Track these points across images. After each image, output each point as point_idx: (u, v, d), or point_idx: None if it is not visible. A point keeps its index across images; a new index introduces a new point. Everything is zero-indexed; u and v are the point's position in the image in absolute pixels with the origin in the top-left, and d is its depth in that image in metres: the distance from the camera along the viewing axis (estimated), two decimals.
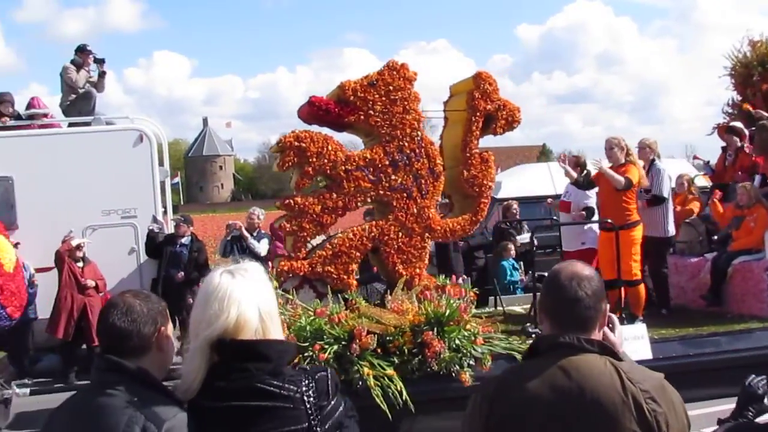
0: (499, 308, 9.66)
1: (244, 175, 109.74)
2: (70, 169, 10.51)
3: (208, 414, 2.40)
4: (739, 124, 10.66)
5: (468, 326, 7.05)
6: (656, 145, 9.03)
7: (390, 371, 6.53)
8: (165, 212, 11.64)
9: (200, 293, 2.52)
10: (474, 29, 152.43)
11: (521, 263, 11.74)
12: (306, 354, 6.45)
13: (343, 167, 7.89)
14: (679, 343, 7.57)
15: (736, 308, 8.59)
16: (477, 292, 7.55)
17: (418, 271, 8.02)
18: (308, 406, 2.42)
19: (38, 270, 10.30)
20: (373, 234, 8.01)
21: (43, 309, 10.10)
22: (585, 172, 9.78)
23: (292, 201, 7.88)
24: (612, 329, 2.63)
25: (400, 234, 8.01)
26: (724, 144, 10.91)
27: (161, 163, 11.55)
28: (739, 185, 9.15)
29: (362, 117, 7.94)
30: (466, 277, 11.40)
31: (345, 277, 7.90)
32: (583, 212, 10.09)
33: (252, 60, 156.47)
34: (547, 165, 16.34)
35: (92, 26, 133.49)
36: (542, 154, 74.80)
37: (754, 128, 10.08)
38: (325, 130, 8.19)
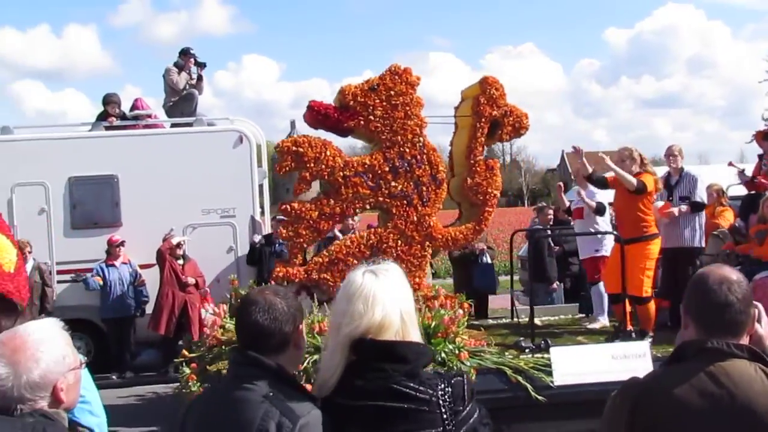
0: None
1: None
2: (172, 169, 10.95)
3: (343, 412, 2.42)
4: None
5: (458, 339, 6.81)
6: (682, 152, 8.60)
7: None
8: (262, 213, 11.90)
9: (343, 291, 2.54)
10: (561, 33, 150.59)
11: None
12: None
13: (341, 173, 7.76)
14: None
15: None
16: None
17: (417, 280, 7.81)
18: (443, 410, 2.41)
19: (141, 266, 10.71)
20: (371, 241, 7.85)
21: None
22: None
23: (288, 206, 7.79)
24: (759, 321, 2.52)
25: (400, 242, 7.84)
26: (761, 151, 10.37)
27: (259, 164, 11.87)
28: (763, 198, 8.64)
29: (362, 122, 7.80)
30: (559, 283, 11.18)
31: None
32: (593, 204, 9.45)
33: (338, 63, 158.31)
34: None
35: (184, 30, 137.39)
36: None
37: None
38: (336, 137, 8.08)
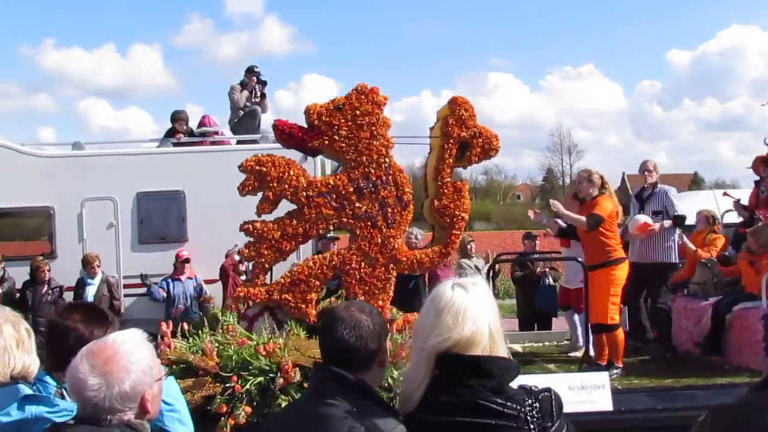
0: None
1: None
2: (237, 185, 10.88)
3: (428, 428, 2.41)
4: None
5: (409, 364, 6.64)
6: (657, 167, 8.38)
7: None
8: None
9: (430, 304, 2.53)
10: (622, 55, 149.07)
11: None
12: (228, 385, 6.23)
13: (304, 193, 7.66)
14: (647, 395, 6.91)
15: (735, 359, 7.82)
16: None
17: (381, 303, 7.66)
18: (532, 426, 2.37)
19: (205, 282, 10.86)
20: (334, 263, 7.73)
21: None
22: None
23: (251, 226, 7.72)
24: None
25: (363, 264, 7.69)
26: (758, 178, 10.05)
27: None
28: (749, 230, 8.37)
29: (326, 142, 7.70)
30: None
31: (303, 306, 7.64)
32: None
33: (397, 83, 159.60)
34: (712, 192, 15.54)
35: (246, 50, 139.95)
36: (694, 182, 72.58)
37: None
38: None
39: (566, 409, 6.36)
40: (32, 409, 2.83)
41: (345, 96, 7.78)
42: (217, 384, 6.10)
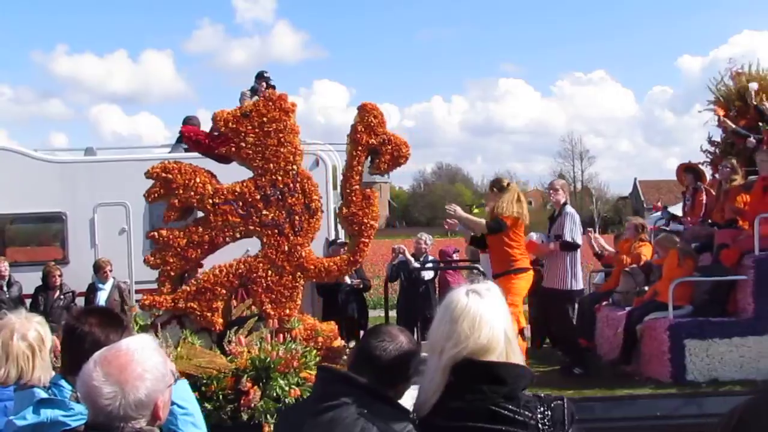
0: None
1: (399, 202, 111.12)
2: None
3: None
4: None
5: (302, 374, 6.61)
6: (567, 187, 8.30)
7: None
8: (337, 234, 11.85)
9: (446, 312, 2.48)
10: (633, 60, 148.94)
11: None
12: None
13: (210, 200, 7.60)
14: None
15: (645, 370, 7.74)
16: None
17: (288, 311, 7.60)
18: None
19: None
20: (240, 271, 7.65)
21: None
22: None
23: (156, 233, 7.65)
24: None
25: (270, 272, 7.62)
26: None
27: (335, 187, 11.83)
28: (655, 240, 8.31)
29: (233, 149, 7.67)
30: None
31: (209, 314, 7.55)
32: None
33: (408, 89, 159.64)
34: None
35: (257, 56, 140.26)
36: None
37: None
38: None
39: None
40: (47, 413, 2.86)
41: (253, 102, 7.73)
42: None
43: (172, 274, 7.74)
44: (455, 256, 11.95)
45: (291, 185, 7.67)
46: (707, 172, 10.00)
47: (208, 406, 6.32)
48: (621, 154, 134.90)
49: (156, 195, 7.68)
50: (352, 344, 7.95)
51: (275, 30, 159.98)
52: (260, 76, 12.66)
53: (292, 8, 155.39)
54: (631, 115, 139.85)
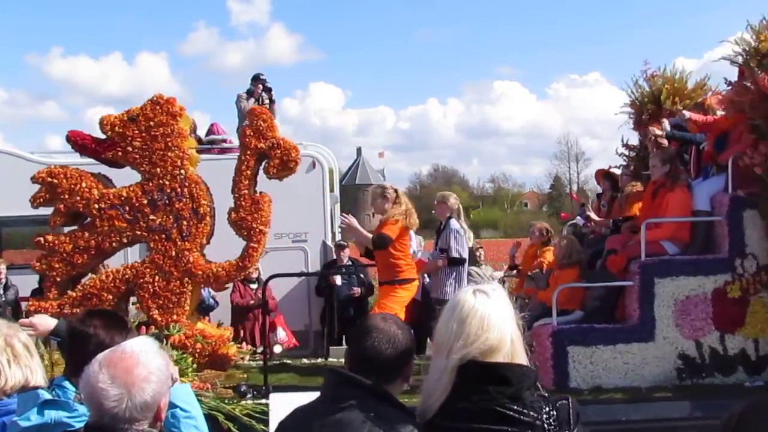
0: None
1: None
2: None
3: None
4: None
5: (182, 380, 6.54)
6: (456, 200, 8.22)
7: None
8: (333, 238, 11.78)
9: (453, 312, 2.45)
10: (628, 62, 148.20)
11: None
12: None
13: (96, 205, 7.54)
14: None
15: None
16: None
17: (175, 317, 7.55)
18: None
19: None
20: (126, 276, 7.60)
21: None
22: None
23: (42, 239, 7.58)
24: None
25: (157, 277, 7.56)
26: (600, 191, 9.97)
27: (331, 190, 11.91)
28: (554, 244, 8.27)
29: (120, 153, 7.59)
30: None
31: None
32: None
33: (403, 91, 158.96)
34: None
35: (252, 58, 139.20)
36: None
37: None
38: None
39: None
40: (52, 414, 2.86)
41: (140, 107, 7.63)
42: None
43: (59, 279, 7.68)
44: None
45: (179, 190, 7.61)
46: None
47: None
48: (617, 156, 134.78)
49: (41, 200, 7.62)
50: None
51: (270, 32, 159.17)
52: (256, 79, 12.50)
53: (287, 11, 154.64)
54: (627, 116, 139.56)
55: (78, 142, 7.64)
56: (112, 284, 7.59)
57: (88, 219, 7.69)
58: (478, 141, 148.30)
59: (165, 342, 7.01)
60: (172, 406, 2.76)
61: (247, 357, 8.49)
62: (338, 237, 12.12)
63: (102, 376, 2.29)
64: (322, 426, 2.45)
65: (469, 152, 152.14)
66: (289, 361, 9.75)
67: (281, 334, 9.88)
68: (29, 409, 2.89)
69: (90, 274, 7.90)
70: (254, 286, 10.48)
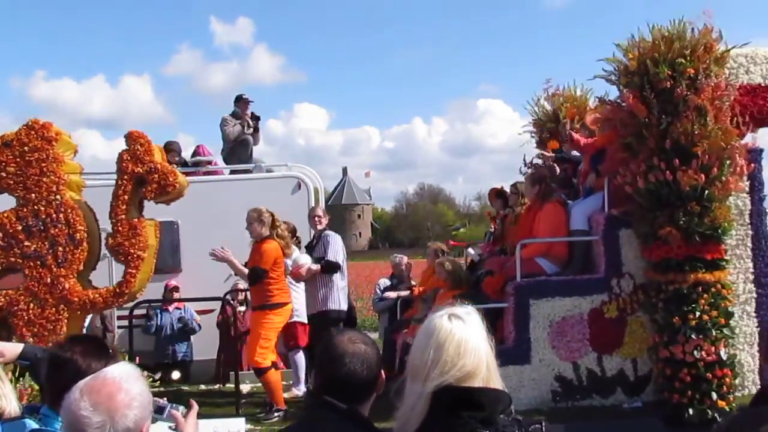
0: None
1: (381, 223, 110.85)
2: (231, 215, 10.43)
3: None
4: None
5: None
6: (324, 213, 8.25)
7: None
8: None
9: (429, 338, 2.39)
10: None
11: None
12: None
13: None
14: None
15: None
16: None
17: (50, 345, 7.43)
18: None
19: (199, 312, 10.81)
20: (0, 303, 7.49)
21: (201, 350, 10.73)
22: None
23: None
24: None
25: (32, 305, 7.45)
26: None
27: None
28: (436, 262, 8.23)
29: None
30: None
31: None
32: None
33: (388, 111, 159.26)
34: None
35: (235, 79, 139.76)
36: None
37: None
38: None
39: None
40: None
41: (15, 132, 7.56)
42: None
43: None
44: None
45: (54, 215, 7.50)
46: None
47: None
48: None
49: None
50: None
51: (254, 53, 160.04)
52: (239, 99, 12.37)
53: (270, 32, 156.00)
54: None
55: None
56: None
57: None
58: (463, 159, 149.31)
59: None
60: None
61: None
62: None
63: (84, 404, 2.23)
64: None
65: (455, 170, 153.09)
66: (186, 387, 9.64)
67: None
68: None
69: None
70: (243, 308, 10.41)
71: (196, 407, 3.03)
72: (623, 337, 7.48)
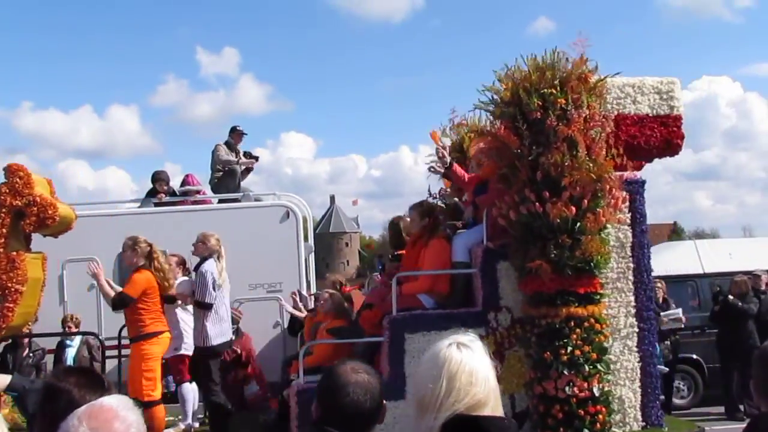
0: None
1: (369, 252, 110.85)
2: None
3: None
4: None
5: None
6: (216, 241, 8.04)
7: None
8: (308, 287, 11.71)
9: (439, 366, 2.38)
10: None
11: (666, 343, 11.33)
12: None
13: None
14: None
15: None
16: None
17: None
18: None
19: None
20: None
21: None
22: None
23: None
24: None
25: None
26: None
27: (306, 239, 11.88)
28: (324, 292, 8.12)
29: None
30: None
31: None
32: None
33: (375, 139, 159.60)
34: (693, 243, 15.18)
35: (222, 109, 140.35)
36: (674, 232, 72.86)
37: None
38: None
39: None
40: None
41: None
42: None
43: None
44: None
45: None
46: None
47: None
48: None
49: None
50: None
51: (240, 83, 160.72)
52: (234, 131, 12.53)
53: (256, 62, 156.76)
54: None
55: None
56: None
57: None
58: None
59: None
60: None
61: None
62: (314, 287, 12.04)
63: (83, 429, 2.23)
64: None
65: None
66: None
67: (254, 388, 9.55)
68: None
69: None
70: (234, 337, 10.26)
71: None
72: (501, 372, 7.32)
